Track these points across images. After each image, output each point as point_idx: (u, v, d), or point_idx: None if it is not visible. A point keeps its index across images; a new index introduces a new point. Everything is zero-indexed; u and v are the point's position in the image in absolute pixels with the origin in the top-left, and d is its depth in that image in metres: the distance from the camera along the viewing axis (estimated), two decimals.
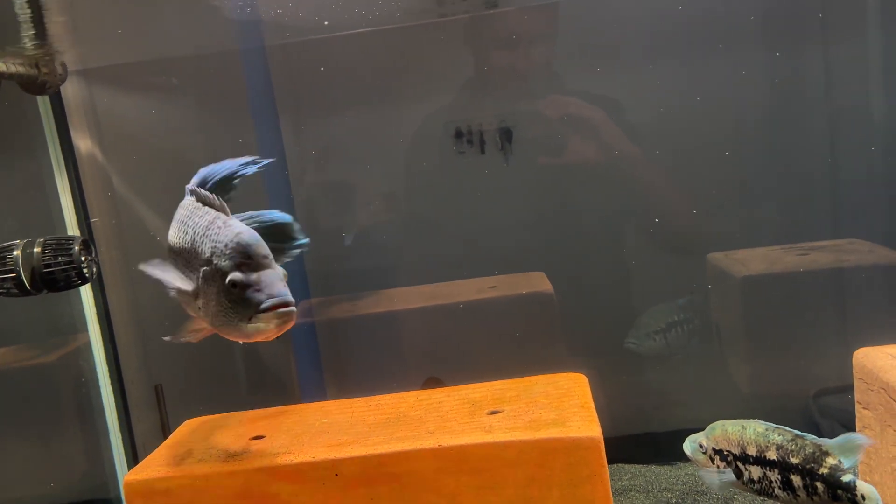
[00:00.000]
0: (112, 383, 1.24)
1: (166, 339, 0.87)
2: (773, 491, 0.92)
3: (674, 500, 1.10)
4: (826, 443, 0.90)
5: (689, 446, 0.94)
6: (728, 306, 1.44)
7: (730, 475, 0.92)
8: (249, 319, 0.74)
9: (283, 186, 1.42)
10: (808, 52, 1.31)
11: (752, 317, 1.42)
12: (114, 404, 1.25)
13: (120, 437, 1.27)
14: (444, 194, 1.42)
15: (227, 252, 0.75)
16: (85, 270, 1.03)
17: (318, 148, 1.41)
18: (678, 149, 1.34)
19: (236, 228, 0.77)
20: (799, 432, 0.93)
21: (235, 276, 0.75)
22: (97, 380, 1.26)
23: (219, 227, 0.77)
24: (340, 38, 1.33)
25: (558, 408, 0.88)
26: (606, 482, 0.81)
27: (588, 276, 1.42)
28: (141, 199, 1.38)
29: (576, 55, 1.33)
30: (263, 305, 0.74)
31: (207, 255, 0.77)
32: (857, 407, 0.96)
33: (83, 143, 1.32)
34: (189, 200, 0.84)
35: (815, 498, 0.89)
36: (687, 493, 1.12)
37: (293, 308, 0.74)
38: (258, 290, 0.74)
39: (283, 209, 1.44)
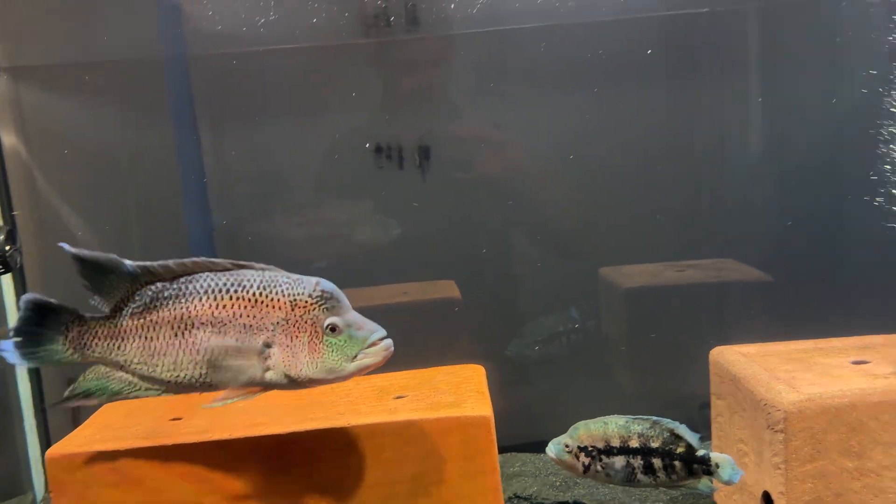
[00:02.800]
0: (29, 374, 1.26)
1: (207, 405, 0.85)
2: (636, 477, 1.04)
3: (558, 483, 1.23)
4: (679, 426, 1.05)
5: (553, 448, 1.02)
6: (615, 316, 1.60)
7: (594, 468, 1.00)
8: (353, 358, 0.81)
9: (199, 193, 1.47)
10: (694, 86, 1.48)
11: (635, 326, 1.58)
12: (30, 394, 1.27)
13: (35, 428, 1.29)
14: (363, 206, 1.52)
15: (316, 300, 0.81)
16: (9, 259, 1.06)
17: (238, 156, 1.46)
18: (575, 172, 1.48)
19: (309, 278, 0.83)
20: (656, 418, 1.07)
21: (334, 320, 0.81)
22: (14, 370, 1.28)
23: (286, 281, 0.82)
24: (266, 52, 1.40)
25: (456, 393, 0.99)
26: (495, 456, 0.92)
27: (494, 285, 1.54)
28: (63, 195, 1.41)
29: (485, 82, 1.46)
30: (371, 340, 0.81)
31: (285, 310, 0.81)
32: (712, 397, 1.12)
33: (7, 139, 1.34)
34: (208, 275, 0.84)
35: (672, 476, 1.03)
36: (569, 477, 1.24)
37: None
38: (360, 329, 0.82)
39: (198, 215, 1.53)
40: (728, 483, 0.97)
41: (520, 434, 1.45)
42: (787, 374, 1.00)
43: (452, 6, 1.37)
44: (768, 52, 1.46)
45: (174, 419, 0.98)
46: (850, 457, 0.91)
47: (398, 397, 1.00)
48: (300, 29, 1.36)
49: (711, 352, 1.14)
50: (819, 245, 1.51)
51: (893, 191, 1.35)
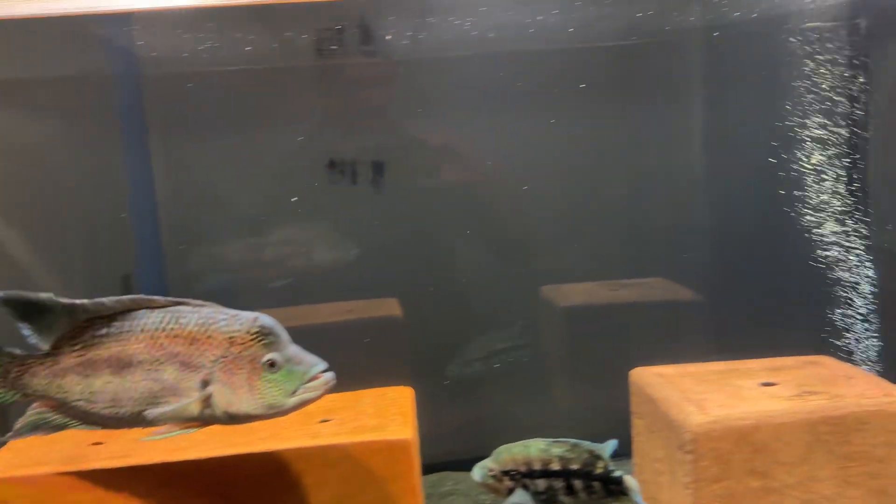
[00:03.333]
0: None
1: (146, 439, 0.86)
2: (558, 497, 1.07)
3: (488, 502, 1.25)
4: (597, 447, 1.08)
5: (478, 473, 1.05)
6: (553, 334, 1.63)
7: (517, 491, 1.04)
8: (293, 393, 0.81)
9: (149, 208, 1.46)
10: (633, 114, 1.52)
11: (570, 344, 1.61)
12: None
13: None
14: (319, 226, 1.52)
15: (254, 336, 0.81)
16: None
17: (191, 173, 1.46)
18: (519, 194, 1.50)
19: (247, 314, 0.83)
20: (575, 440, 1.10)
21: (273, 356, 0.81)
22: None
23: (224, 318, 0.82)
24: (220, 71, 1.41)
25: (381, 416, 1.01)
26: (415, 478, 0.94)
27: (437, 303, 1.56)
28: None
29: (437, 103, 1.48)
30: (311, 374, 0.81)
31: (223, 347, 0.81)
32: (633, 417, 1.15)
33: None
34: (145, 312, 0.84)
35: (593, 496, 1.06)
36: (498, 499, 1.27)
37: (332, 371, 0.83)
38: (299, 364, 0.82)
39: (148, 231, 1.53)
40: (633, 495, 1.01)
41: (456, 452, 1.47)
42: (698, 395, 1.04)
43: (405, 31, 1.40)
44: (703, 80, 1.52)
45: (95, 444, 0.98)
46: (755, 476, 0.96)
47: (323, 420, 1.01)
48: (252, 51, 1.38)
49: (631, 373, 1.18)
50: (747, 268, 1.56)
51: (808, 216, 1.42)
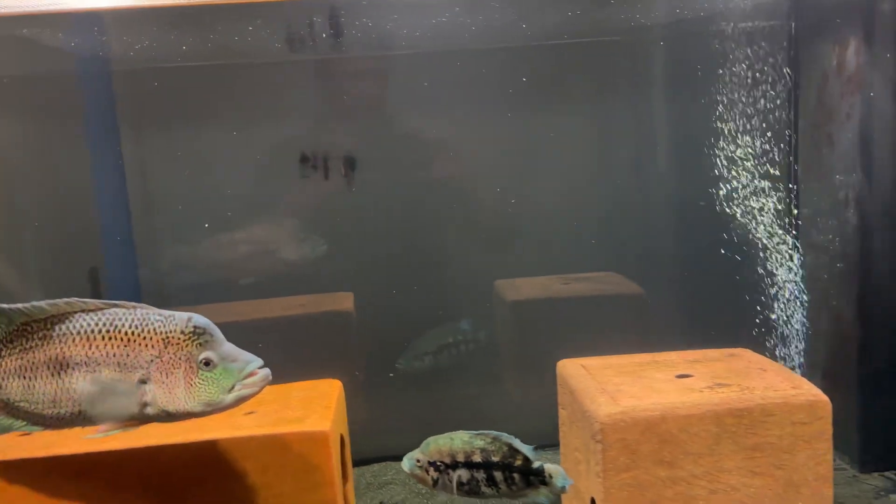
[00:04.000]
0: None
1: (88, 437, 0.88)
2: (480, 489, 1.10)
3: (424, 491, 1.28)
4: (514, 440, 1.11)
5: (407, 463, 1.07)
6: (503, 328, 1.66)
7: (443, 482, 1.06)
8: (230, 390, 0.84)
9: (120, 203, 1.49)
10: (582, 110, 1.55)
11: (519, 337, 1.64)
12: None
13: None
14: (289, 223, 1.53)
15: (188, 336, 0.84)
16: None
17: (162, 168, 1.48)
18: (480, 187, 1.53)
19: (181, 314, 0.86)
20: (496, 433, 1.13)
21: (208, 354, 0.84)
22: None
23: (158, 318, 0.85)
24: (193, 67, 1.43)
25: (304, 408, 1.04)
26: (333, 469, 0.97)
27: (393, 297, 1.59)
28: None
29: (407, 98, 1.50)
30: (247, 371, 0.85)
31: (158, 347, 0.84)
32: (559, 408, 1.18)
33: None
34: (80, 315, 0.86)
35: (513, 487, 1.09)
36: None
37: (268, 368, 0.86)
38: (234, 361, 0.85)
39: (119, 225, 1.55)
40: (561, 491, 1.04)
41: (403, 443, 1.50)
42: (615, 386, 1.07)
43: (379, 25, 1.42)
44: (652, 80, 1.55)
45: (22, 434, 1.00)
46: (662, 466, 0.99)
47: (248, 413, 1.04)
48: (228, 46, 1.39)
49: (557, 364, 1.21)
50: (692, 262, 1.59)
51: (742, 212, 1.45)
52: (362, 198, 1.50)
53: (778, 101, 1.39)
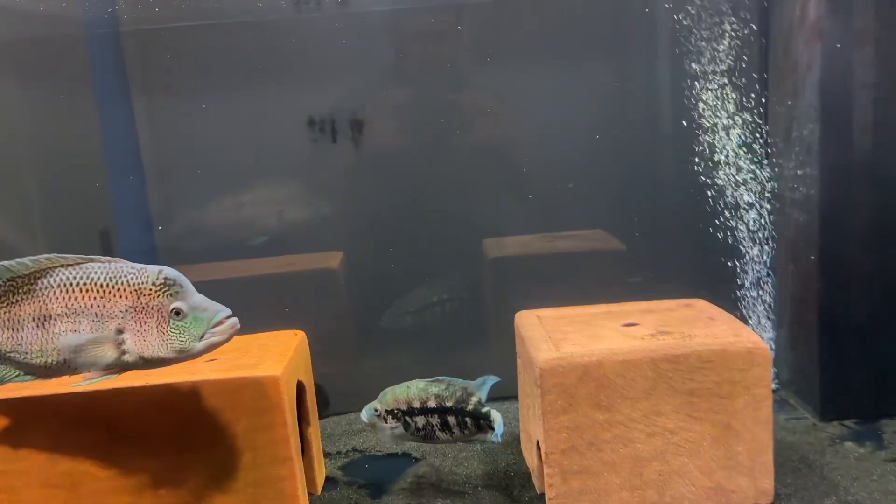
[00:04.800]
0: None
1: (74, 385, 0.94)
2: (435, 433, 1.15)
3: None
4: (470, 384, 1.15)
5: (365, 414, 1.14)
6: (485, 285, 1.69)
7: (399, 429, 1.13)
8: (200, 338, 0.90)
9: (135, 170, 1.53)
10: (570, 70, 1.55)
11: (499, 294, 1.66)
12: None
13: None
14: (292, 178, 1.56)
15: (159, 287, 0.90)
16: None
17: (174, 133, 1.52)
18: (469, 149, 1.54)
19: (153, 267, 0.92)
20: (451, 379, 1.17)
21: (179, 304, 0.90)
22: None
23: (131, 271, 0.91)
24: (201, 27, 1.46)
25: (262, 356, 1.09)
26: (284, 411, 1.02)
27: (385, 256, 1.62)
28: None
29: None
30: (216, 320, 0.91)
31: (132, 298, 0.90)
32: (517, 357, 1.22)
33: None
34: (60, 269, 0.92)
35: (465, 431, 1.14)
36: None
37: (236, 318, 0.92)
38: (204, 311, 0.91)
39: (133, 190, 1.60)
40: (496, 436, 1.09)
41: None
42: (562, 335, 1.10)
43: None
44: (618, 38, 1.54)
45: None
46: (600, 410, 1.01)
47: (210, 360, 1.09)
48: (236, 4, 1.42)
49: (516, 315, 1.24)
50: (671, 218, 1.59)
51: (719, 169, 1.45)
52: (364, 159, 1.53)
53: (750, 54, 1.37)
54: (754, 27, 1.37)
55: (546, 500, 1.03)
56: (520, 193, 1.60)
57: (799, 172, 1.31)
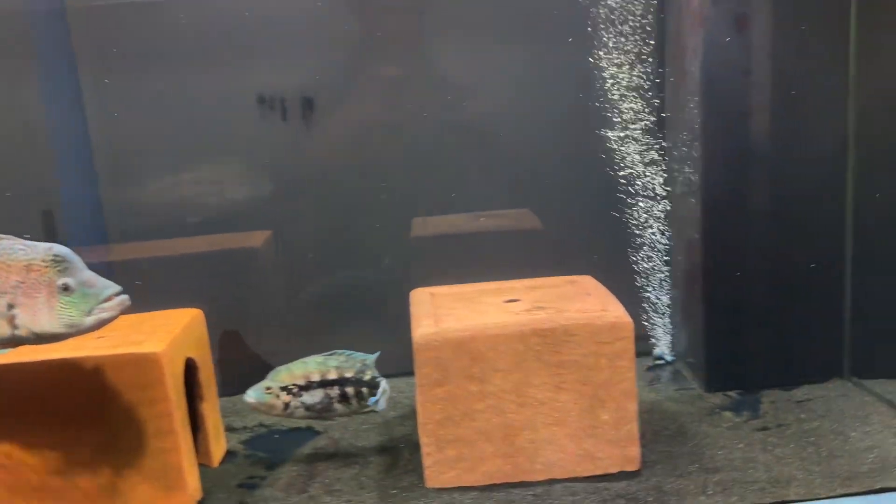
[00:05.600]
0: None
1: None
2: (332, 406, 1.18)
3: None
4: (367, 357, 1.19)
5: (252, 394, 1.16)
6: (412, 263, 1.70)
7: (295, 404, 1.15)
8: (89, 313, 0.91)
9: (82, 145, 1.52)
10: (494, 53, 1.56)
11: (417, 272, 1.70)
12: None
13: None
14: (240, 156, 1.56)
15: (48, 263, 0.92)
16: None
17: (124, 109, 1.49)
18: (405, 127, 1.55)
19: (43, 244, 0.93)
20: (349, 352, 1.20)
21: (67, 280, 0.92)
22: None
23: (21, 248, 0.93)
24: (150, 2, 1.45)
25: (149, 333, 1.11)
26: (168, 386, 1.05)
27: (315, 236, 1.64)
28: None
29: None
30: (104, 296, 0.92)
31: (21, 273, 0.91)
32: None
33: None
34: None
35: (361, 402, 1.18)
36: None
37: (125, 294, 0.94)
38: (92, 287, 0.92)
39: (81, 166, 1.60)
40: (375, 403, 1.14)
41: None
42: (445, 311, 1.14)
43: None
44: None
45: None
46: (473, 381, 1.06)
47: (100, 337, 1.12)
48: None
49: (411, 293, 1.28)
50: (580, 196, 1.63)
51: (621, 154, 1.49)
52: (307, 138, 1.53)
53: (650, 38, 1.41)
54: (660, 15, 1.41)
55: (423, 468, 1.08)
56: (455, 173, 1.63)
57: (686, 153, 1.35)
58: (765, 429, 1.20)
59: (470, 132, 1.59)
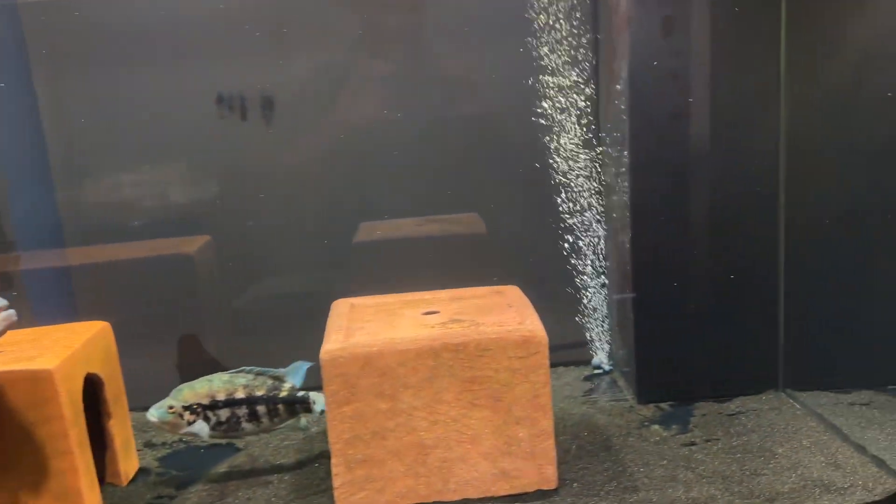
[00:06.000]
0: None
1: None
2: (241, 425, 1.14)
3: None
4: (281, 372, 1.15)
5: (155, 413, 1.10)
6: (353, 269, 1.66)
7: (199, 424, 1.11)
8: None
9: (37, 144, 1.48)
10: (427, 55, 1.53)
11: (356, 279, 1.66)
12: None
13: None
14: (199, 156, 1.52)
15: None
16: None
17: (80, 108, 1.46)
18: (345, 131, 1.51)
19: None
20: (260, 369, 1.16)
21: None
22: None
23: None
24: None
25: (47, 349, 1.06)
26: (61, 405, 1.00)
27: (255, 241, 1.60)
28: None
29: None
30: None
31: None
32: None
33: None
34: None
35: (275, 419, 1.14)
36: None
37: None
38: None
39: (35, 164, 1.54)
40: (322, 414, 1.10)
41: None
42: (360, 324, 1.10)
43: None
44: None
45: None
46: (383, 399, 1.02)
47: None
48: None
49: (332, 304, 1.23)
50: (520, 202, 1.59)
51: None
52: (256, 140, 1.49)
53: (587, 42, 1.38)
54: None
55: (333, 489, 1.04)
56: (404, 176, 1.59)
57: (617, 159, 1.32)
58: (692, 444, 1.17)
59: (419, 135, 1.56)
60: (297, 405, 1.16)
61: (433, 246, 1.66)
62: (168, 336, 1.54)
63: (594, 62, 1.39)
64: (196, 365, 1.58)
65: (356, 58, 1.50)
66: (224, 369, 1.21)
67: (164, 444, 1.32)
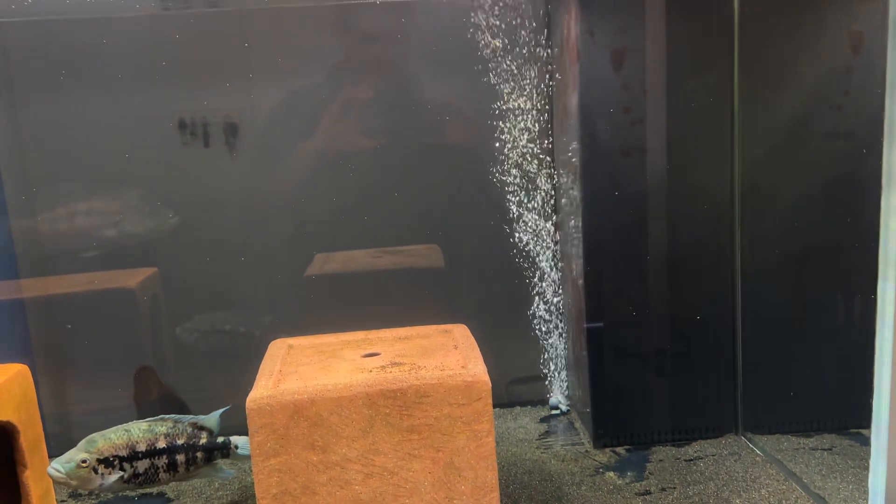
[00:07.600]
0: None
1: None
2: (158, 476, 1.06)
3: None
4: (201, 419, 1.08)
5: (63, 467, 1.01)
6: (306, 304, 1.60)
7: (114, 477, 1.04)
8: None
9: None
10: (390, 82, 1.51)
11: (309, 311, 1.60)
12: None
13: None
14: (162, 183, 1.47)
15: None
16: None
17: (36, 132, 1.40)
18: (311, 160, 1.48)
19: None
20: (178, 416, 1.09)
21: None
22: None
23: None
24: (67, 21, 1.36)
25: None
26: None
27: (204, 274, 1.53)
28: None
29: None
30: None
31: None
32: None
33: None
34: None
35: (192, 468, 1.07)
36: None
37: None
38: None
39: None
40: (246, 458, 1.05)
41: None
42: (294, 367, 1.03)
43: None
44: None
45: None
46: (314, 451, 0.95)
47: None
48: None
49: (270, 344, 1.17)
50: (478, 235, 1.55)
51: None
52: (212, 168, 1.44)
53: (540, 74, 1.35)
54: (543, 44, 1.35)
55: None
56: (365, 207, 1.54)
57: (571, 194, 1.28)
58: (646, 493, 1.11)
59: (379, 166, 1.52)
60: (217, 451, 1.09)
61: (389, 278, 1.62)
62: (100, 375, 1.46)
63: (549, 95, 1.37)
64: (121, 409, 1.50)
65: (319, 87, 1.46)
66: (165, 411, 1.15)
67: (89, 494, 1.24)
